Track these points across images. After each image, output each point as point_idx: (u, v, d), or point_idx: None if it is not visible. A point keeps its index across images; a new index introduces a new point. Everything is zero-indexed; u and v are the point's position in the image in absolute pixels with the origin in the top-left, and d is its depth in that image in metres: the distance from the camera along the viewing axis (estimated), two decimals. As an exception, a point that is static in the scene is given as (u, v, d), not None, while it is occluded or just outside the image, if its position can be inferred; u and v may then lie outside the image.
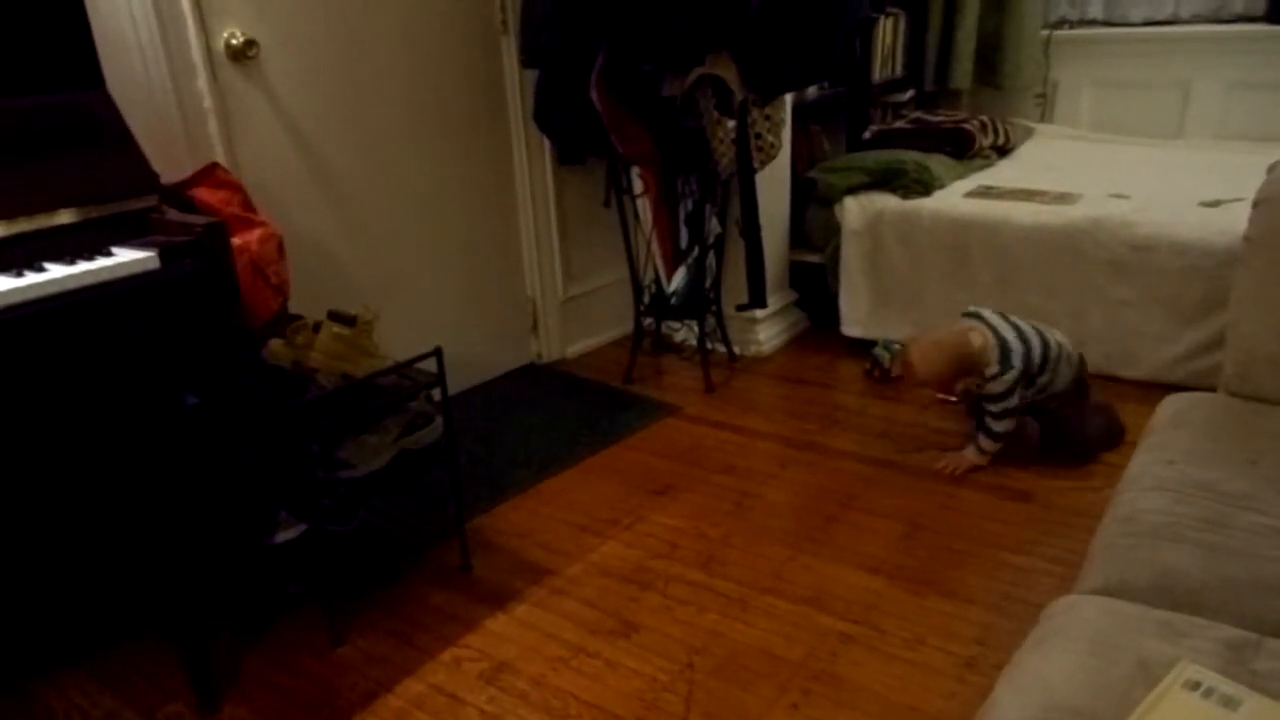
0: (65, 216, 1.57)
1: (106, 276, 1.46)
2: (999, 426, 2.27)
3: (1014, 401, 2.24)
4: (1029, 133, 3.72)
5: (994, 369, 2.20)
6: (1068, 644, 0.99)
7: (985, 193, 2.97)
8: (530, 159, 2.91)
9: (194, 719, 1.64)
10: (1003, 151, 3.50)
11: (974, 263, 2.85)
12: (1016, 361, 2.19)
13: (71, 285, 1.43)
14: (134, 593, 1.85)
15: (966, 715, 1.52)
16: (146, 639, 1.83)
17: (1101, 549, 1.23)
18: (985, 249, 2.81)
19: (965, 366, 2.22)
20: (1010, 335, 2.23)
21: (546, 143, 2.91)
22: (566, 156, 2.94)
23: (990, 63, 3.79)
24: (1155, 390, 2.16)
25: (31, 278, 1.41)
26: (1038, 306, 2.76)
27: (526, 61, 2.65)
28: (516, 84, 2.80)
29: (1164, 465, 1.36)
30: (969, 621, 1.76)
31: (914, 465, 2.36)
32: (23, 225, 1.52)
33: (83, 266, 1.46)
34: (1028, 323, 2.29)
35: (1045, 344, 2.25)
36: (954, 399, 2.44)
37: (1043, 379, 2.26)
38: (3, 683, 1.72)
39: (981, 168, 3.29)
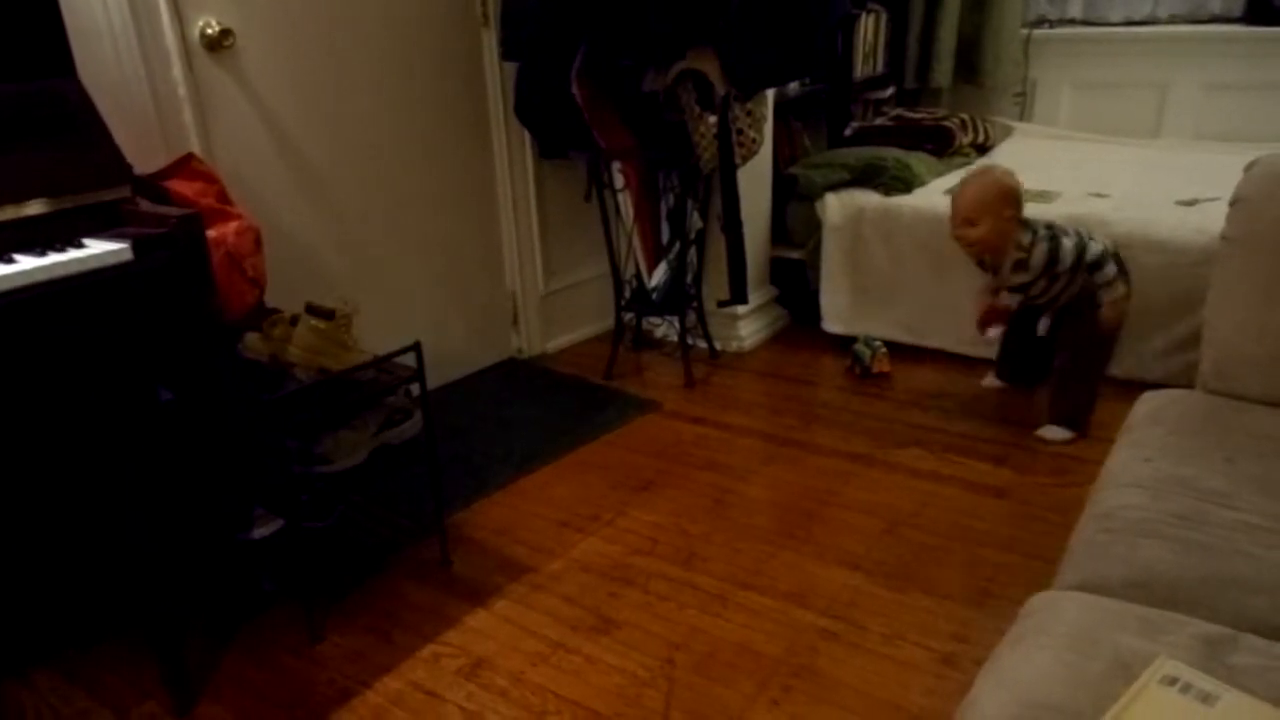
0: (35, 207, 1.54)
1: (78, 269, 1.44)
2: (1107, 267, 2.28)
3: (1099, 248, 2.29)
4: (1008, 131, 3.74)
5: (1042, 236, 2.28)
6: (1046, 640, 0.99)
7: (965, 190, 2.97)
8: (511, 152, 2.89)
9: (169, 718, 1.62)
10: (982, 149, 3.52)
11: (953, 260, 2.85)
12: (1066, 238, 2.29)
13: (41, 277, 1.40)
14: (108, 590, 1.82)
15: (946, 711, 1.52)
16: (121, 637, 1.80)
17: (1079, 545, 1.24)
18: (965, 246, 2.82)
19: (1012, 197, 2.26)
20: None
21: (527, 136, 2.89)
22: (547, 150, 2.92)
23: (970, 61, 3.81)
24: (1132, 387, 2.17)
25: (1, 269, 1.38)
26: (1017, 304, 2.78)
27: (506, 54, 2.64)
28: (497, 77, 2.78)
29: (1141, 462, 1.37)
30: (948, 617, 1.77)
31: (894, 461, 2.37)
32: (-9, 216, 1.49)
33: (53, 258, 1.43)
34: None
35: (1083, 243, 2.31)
36: (1001, 323, 2.52)
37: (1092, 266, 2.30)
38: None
39: (961, 165, 3.30)
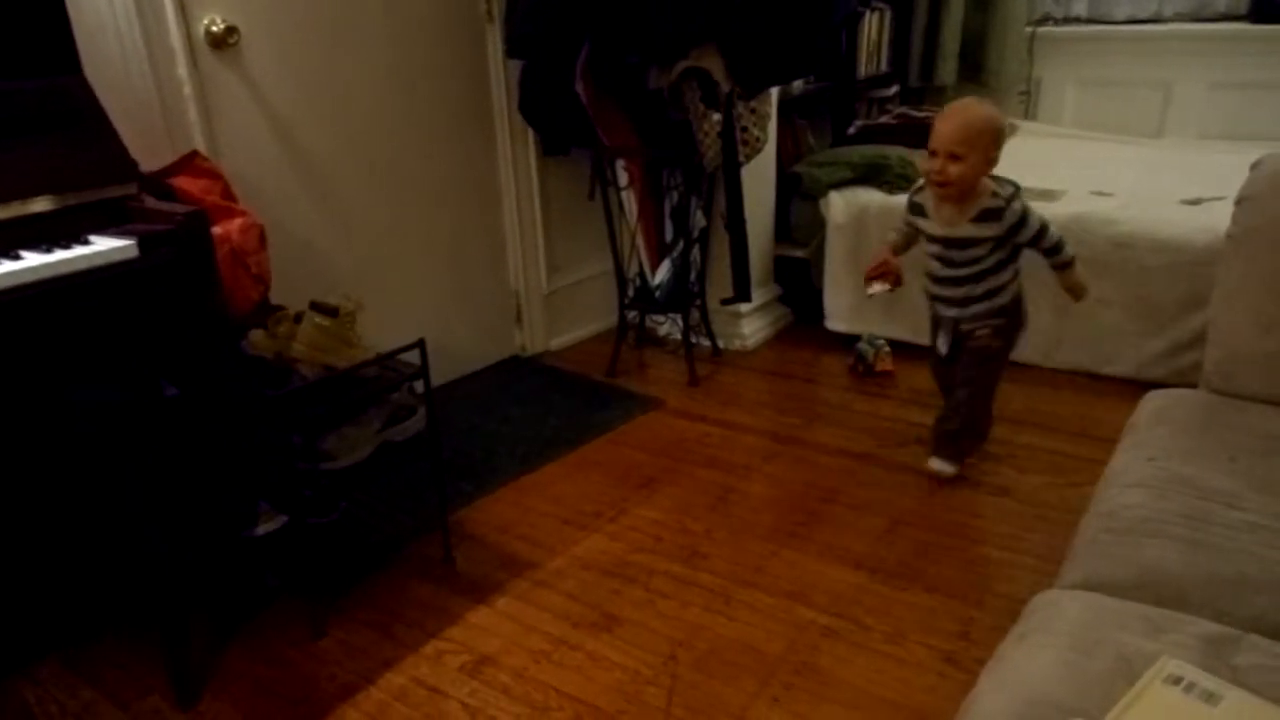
0: (41, 204, 1.54)
1: (84, 265, 1.44)
2: (1059, 236, 2.08)
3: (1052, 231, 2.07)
4: (1012, 130, 3.73)
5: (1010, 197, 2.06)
6: (1049, 639, 1.00)
7: (969, 189, 2.97)
8: (515, 150, 2.89)
9: (172, 712, 1.62)
10: (986, 148, 3.50)
11: (957, 258, 2.85)
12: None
13: (48, 274, 1.41)
14: (112, 585, 1.83)
15: (948, 709, 1.52)
16: (125, 631, 1.81)
17: (1083, 544, 1.24)
18: (969, 245, 2.82)
19: (1002, 136, 2.05)
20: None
21: (531, 133, 2.89)
22: (551, 148, 2.92)
23: (975, 59, 3.81)
24: (1135, 387, 2.18)
25: (7, 265, 1.39)
26: (1020, 303, 2.78)
27: (511, 51, 2.64)
28: (501, 74, 2.78)
29: (1145, 462, 1.37)
30: (950, 616, 1.77)
31: (897, 460, 2.37)
32: (-2, 212, 1.49)
33: (60, 255, 1.44)
34: None
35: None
36: (886, 284, 2.22)
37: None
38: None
39: (965, 164, 3.29)
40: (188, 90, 2.07)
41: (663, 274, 2.97)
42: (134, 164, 1.68)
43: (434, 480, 2.00)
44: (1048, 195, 2.84)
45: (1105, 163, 3.26)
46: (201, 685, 1.67)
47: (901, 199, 2.93)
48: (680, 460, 2.43)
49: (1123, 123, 3.71)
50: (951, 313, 2.19)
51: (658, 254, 3.01)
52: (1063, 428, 2.48)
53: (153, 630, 1.69)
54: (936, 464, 2.26)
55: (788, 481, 2.30)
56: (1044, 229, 2.06)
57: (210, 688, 1.68)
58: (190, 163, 1.99)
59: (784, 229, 3.24)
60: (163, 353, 1.64)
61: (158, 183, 1.87)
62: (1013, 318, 2.17)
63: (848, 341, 3.01)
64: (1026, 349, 2.80)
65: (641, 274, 3.03)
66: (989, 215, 2.05)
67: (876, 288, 2.25)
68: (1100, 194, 2.85)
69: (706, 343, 3.10)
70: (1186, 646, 0.96)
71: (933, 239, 2.15)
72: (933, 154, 2.03)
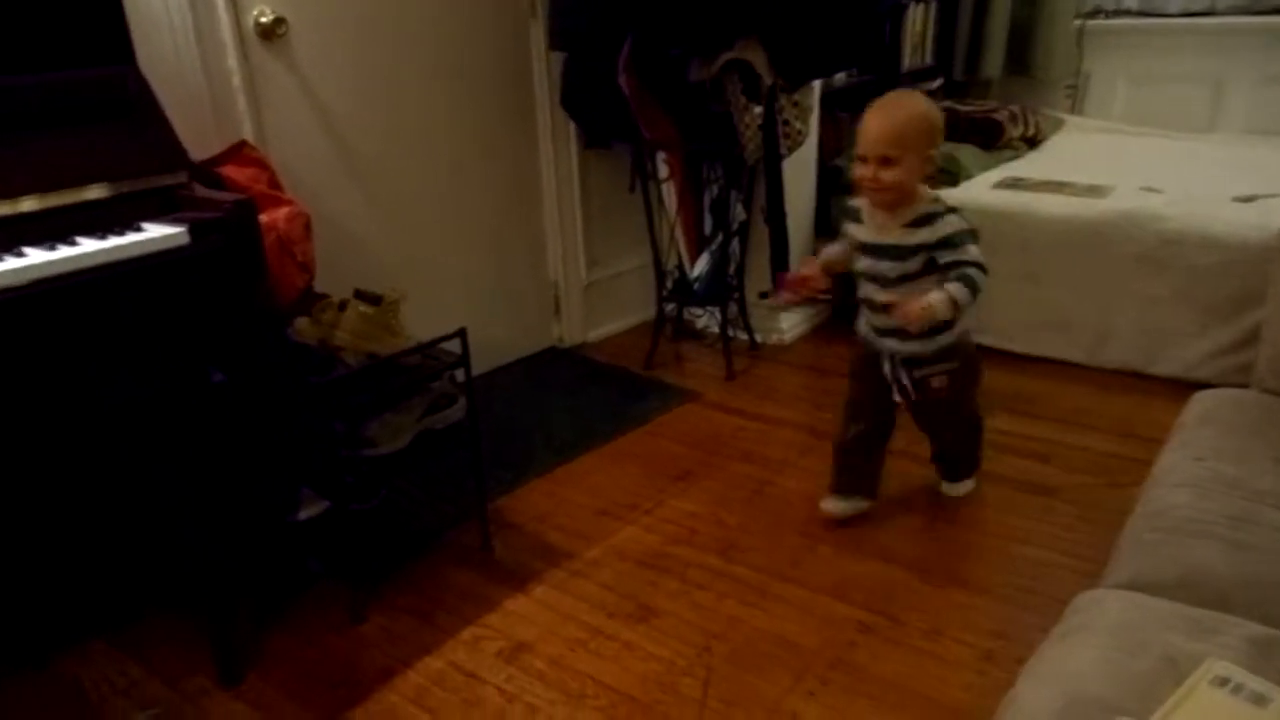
0: (96, 191, 1.57)
1: (136, 251, 1.47)
2: (978, 276, 1.80)
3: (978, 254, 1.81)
4: (1059, 124, 3.68)
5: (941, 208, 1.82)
6: (1092, 637, 0.99)
7: (1013, 184, 2.94)
8: (556, 143, 2.91)
9: (218, 690, 1.66)
10: (1032, 143, 3.46)
11: (1000, 255, 2.78)
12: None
13: (102, 260, 1.44)
14: (160, 566, 1.87)
15: (985, 707, 1.51)
16: (172, 612, 1.85)
17: (1128, 544, 1.22)
18: (1012, 241, 2.78)
19: (940, 133, 1.80)
20: None
21: (572, 127, 2.90)
22: (592, 140, 2.93)
23: (1022, 52, 3.74)
24: (1182, 388, 2.13)
25: (64, 251, 1.42)
26: (1064, 301, 2.74)
27: (554, 44, 2.65)
28: (544, 68, 2.79)
29: (1192, 462, 1.35)
30: (988, 614, 1.76)
31: (936, 457, 2.35)
32: (54, 199, 1.53)
33: (113, 241, 1.47)
34: None
35: None
36: (798, 296, 1.99)
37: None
38: (32, 654, 1.75)
39: (1010, 159, 3.26)
40: (237, 81, 2.11)
41: (701, 267, 2.96)
42: (185, 153, 1.71)
43: (473, 469, 2.02)
44: (1095, 191, 2.80)
45: (1155, 158, 3.20)
46: (245, 665, 1.71)
47: (943, 193, 2.90)
48: (716, 454, 2.43)
49: (1173, 117, 3.63)
50: (891, 344, 1.92)
51: (697, 247, 3.00)
52: (1108, 428, 2.44)
53: (199, 611, 1.72)
54: (957, 489, 2.18)
55: (824, 477, 2.28)
56: (978, 264, 1.80)
57: (254, 668, 1.71)
58: (239, 152, 2.02)
59: (824, 223, 3.22)
60: (210, 338, 1.67)
61: (207, 171, 1.91)
62: (965, 362, 1.96)
63: (887, 337, 2.98)
64: (1068, 348, 2.78)
65: (680, 267, 3.03)
66: (922, 220, 1.80)
67: (786, 296, 2.04)
68: (1150, 190, 2.79)
69: (744, 336, 3.09)
70: (1232, 648, 0.94)
71: (862, 248, 1.90)
72: (862, 159, 1.78)
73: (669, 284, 3.01)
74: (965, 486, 2.18)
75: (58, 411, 1.63)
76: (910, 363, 1.92)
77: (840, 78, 3.23)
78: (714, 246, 2.92)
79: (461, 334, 1.87)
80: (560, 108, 2.81)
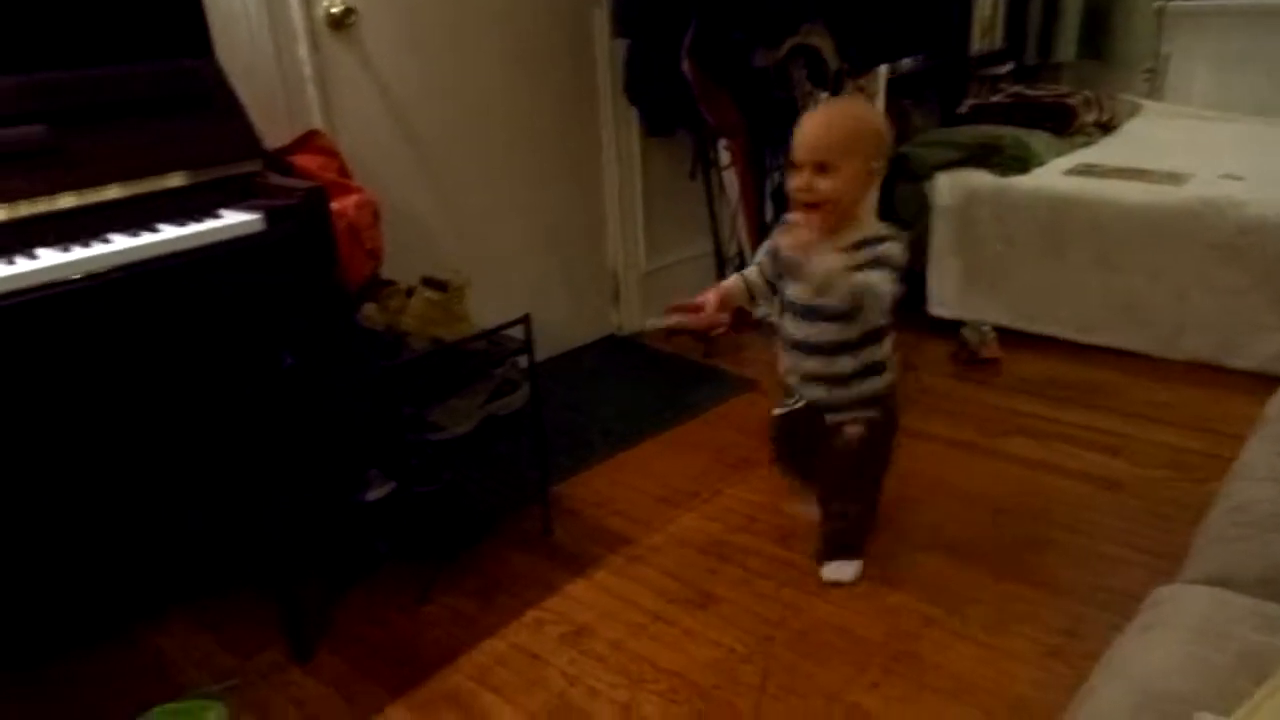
0: (176, 179, 1.62)
1: (215, 237, 1.51)
2: (884, 289, 1.58)
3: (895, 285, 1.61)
4: (1136, 110, 3.56)
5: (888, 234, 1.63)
6: (1171, 633, 0.96)
7: (1087, 171, 2.86)
8: (618, 131, 2.91)
9: (289, 664, 1.71)
10: (1106, 129, 3.36)
11: (1072, 243, 2.75)
12: None
13: (183, 245, 1.48)
14: (237, 544, 1.93)
15: (1054, 702, 1.48)
16: (249, 589, 1.90)
17: (1208, 539, 1.19)
18: (1085, 229, 2.71)
19: (885, 143, 1.62)
20: None
21: (634, 114, 2.90)
22: (655, 128, 2.93)
23: (1097, 35, 3.62)
24: (1262, 381, 2.06)
25: (146, 237, 1.47)
26: (1140, 290, 2.67)
27: (618, 31, 2.65)
28: (606, 55, 2.80)
29: (1277, 456, 1.30)
30: (1056, 610, 1.72)
31: (1002, 450, 2.30)
32: (136, 187, 1.58)
33: (193, 227, 1.51)
34: None
35: None
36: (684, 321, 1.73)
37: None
38: (113, 625, 1.82)
39: (1083, 145, 3.17)
40: (307, 70, 2.15)
41: (762, 255, 2.94)
42: (260, 141, 1.75)
43: (535, 455, 2.04)
44: (1173, 179, 2.71)
45: (1236, 144, 3.08)
46: (316, 642, 1.76)
47: (1013, 180, 2.85)
48: (777, 442, 2.41)
49: (1256, 102, 3.49)
50: (817, 393, 1.74)
51: (757, 235, 2.98)
52: (1182, 422, 2.37)
53: (273, 589, 1.78)
54: (834, 570, 1.84)
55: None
56: (884, 292, 1.57)
57: (324, 645, 1.76)
58: (310, 141, 2.07)
59: (888, 211, 3.17)
60: (283, 323, 1.71)
61: (279, 160, 1.95)
62: (885, 417, 1.76)
63: (950, 328, 2.94)
64: (1141, 339, 2.70)
65: (740, 255, 3.01)
66: (865, 245, 1.59)
67: (673, 319, 1.69)
68: (1230, 177, 2.69)
69: (805, 326, 3.06)
70: (1320, 648, 0.91)
71: (791, 273, 1.67)
72: (796, 167, 1.60)
73: (729, 272, 2.99)
74: (845, 570, 1.84)
75: (141, 392, 1.68)
76: (829, 409, 1.73)
77: (906, 63, 3.16)
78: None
79: (525, 320, 1.89)
80: (622, 96, 2.81)
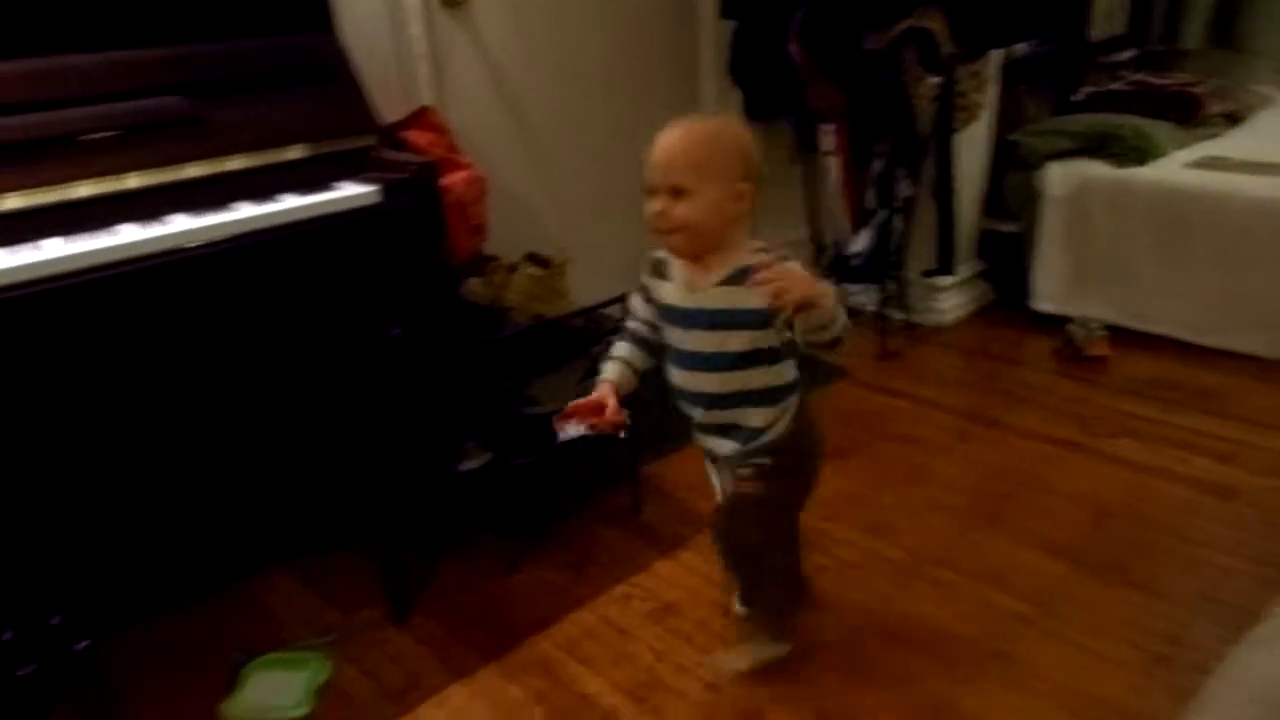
0: (296, 151, 1.69)
1: (334, 208, 1.57)
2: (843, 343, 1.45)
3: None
4: (1267, 101, 3.37)
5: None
6: (1295, 647, 0.92)
7: (1212, 163, 2.72)
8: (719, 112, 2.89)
9: (387, 624, 1.77)
10: (1234, 120, 3.19)
11: (1194, 239, 2.63)
12: None
13: (304, 215, 1.55)
14: (339, 506, 2.00)
15: (1155, 710, 1.44)
16: (353, 550, 1.98)
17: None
18: (1209, 224, 2.58)
19: (751, 159, 1.42)
20: None
21: (735, 97, 2.88)
22: (757, 111, 2.90)
23: (1229, 21, 3.43)
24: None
25: (269, 206, 1.54)
26: (1262, 290, 2.53)
27: (726, 12, 2.64)
28: (710, 37, 2.79)
29: None
30: (1161, 617, 1.66)
31: (1107, 451, 2.22)
32: (259, 158, 1.65)
33: (314, 198, 1.57)
34: None
35: None
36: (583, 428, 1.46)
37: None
38: (224, 579, 1.91)
39: (1209, 137, 3.01)
40: (421, 48, 2.20)
41: (862, 243, 2.89)
42: (376, 117, 1.81)
43: (628, 434, 2.05)
44: (1304, 173, 2.57)
45: (1378, 138, 2.90)
46: (412, 604, 1.82)
47: (1130, 172, 2.73)
48: (869, 432, 2.38)
49: (1402, 94, 3.27)
50: (718, 445, 1.54)
51: (857, 222, 2.94)
52: (1303, 429, 2.25)
53: (373, 551, 1.84)
54: (752, 651, 1.59)
55: (983, 463, 2.22)
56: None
57: (420, 607, 1.82)
58: (421, 117, 2.12)
59: (995, 201, 3.09)
60: (392, 293, 1.77)
61: (391, 135, 2.01)
62: (793, 465, 1.51)
63: (1055, 323, 2.84)
64: (1262, 343, 2.56)
65: (837, 241, 2.97)
66: (742, 275, 1.38)
67: (571, 430, 1.47)
68: (1369, 173, 2.53)
69: (900, 315, 3.01)
70: None
71: (667, 313, 1.47)
72: (650, 193, 1.42)
73: (827, 259, 2.96)
74: (762, 652, 1.58)
75: (256, 358, 1.76)
76: (733, 461, 1.51)
77: (1021, 47, 3.06)
78: (876, 222, 2.85)
79: (622, 299, 1.90)
80: (724, 80, 2.79)
